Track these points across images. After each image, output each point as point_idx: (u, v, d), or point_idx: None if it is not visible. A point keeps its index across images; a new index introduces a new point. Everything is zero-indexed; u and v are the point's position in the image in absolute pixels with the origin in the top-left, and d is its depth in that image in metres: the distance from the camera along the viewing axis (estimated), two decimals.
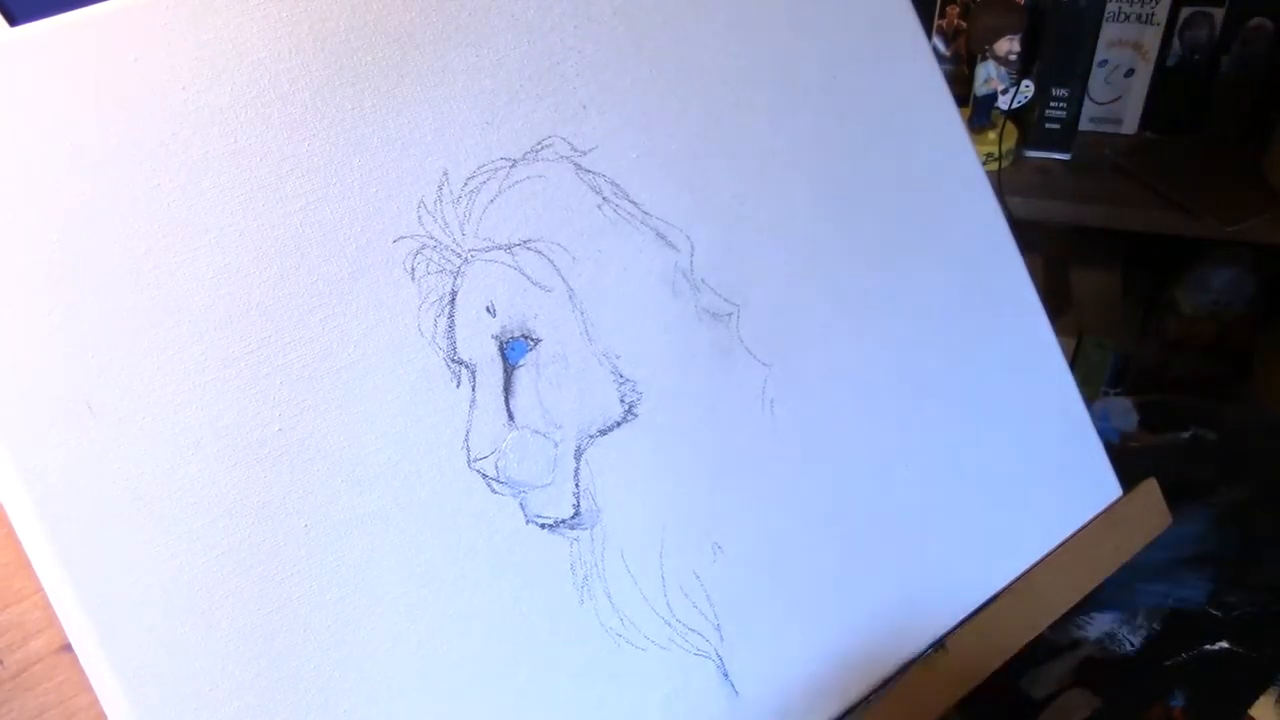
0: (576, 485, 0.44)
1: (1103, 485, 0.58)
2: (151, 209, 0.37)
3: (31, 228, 0.35)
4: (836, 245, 0.50)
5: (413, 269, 0.41)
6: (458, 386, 0.42)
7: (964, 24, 1.22)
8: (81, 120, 0.36)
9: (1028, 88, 1.16)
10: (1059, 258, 1.34)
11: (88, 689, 0.37)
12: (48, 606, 0.37)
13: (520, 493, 0.42)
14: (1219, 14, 1.16)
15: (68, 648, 0.40)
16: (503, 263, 0.42)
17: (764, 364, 0.48)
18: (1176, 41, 1.18)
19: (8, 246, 0.35)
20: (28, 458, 0.35)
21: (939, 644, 0.52)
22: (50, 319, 0.35)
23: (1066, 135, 1.19)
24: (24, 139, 0.35)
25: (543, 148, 0.43)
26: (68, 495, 0.35)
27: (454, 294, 0.42)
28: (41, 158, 0.35)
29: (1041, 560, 0.55)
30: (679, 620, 0.45)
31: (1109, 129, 1.25)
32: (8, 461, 0.35)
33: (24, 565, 0.37)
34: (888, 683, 0.50)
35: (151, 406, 0.37)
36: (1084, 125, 1.22)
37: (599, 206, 0.44)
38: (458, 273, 0.42)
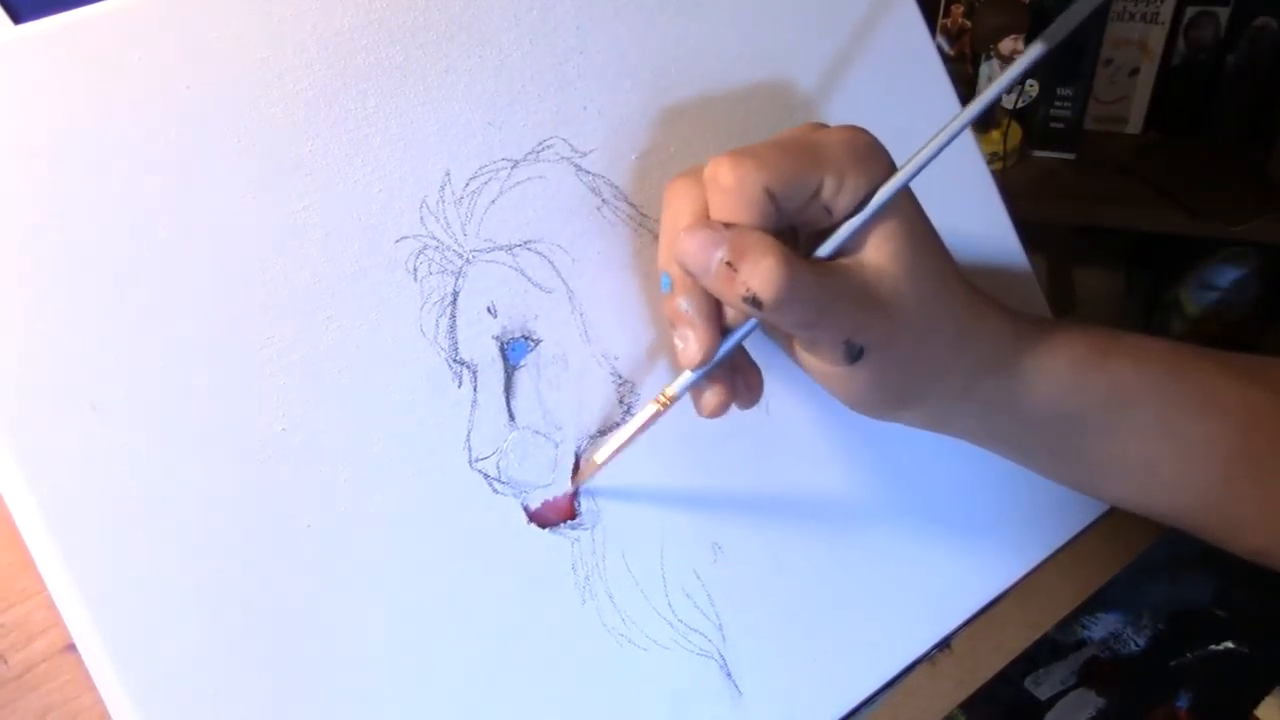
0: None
1: None
2: (155, 208, 0.37)
3: (34, 226, 0.35)
4: None
5: (415, 269, 0.41)
6: (459, 387, 0.42)
7: (968, 23, 1.22)
8: (85, 118, 0.36)
9: (1032, 87, 1.16)
10: (1063, 257, 1.34)
11: (92, 689, 0.37)
12: (52, 606, 0.37)
13: (521, 493, 0.42)
14: (1224, 14, 1.16)
15: (72, 648, 0.40)
16: (504, 264, 0.43)
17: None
18: (1181, 41, 1.18)
19: (10, 245, 0.35)
20: (31, 457, 0.35)
21: (944, 644, 0.52)
22: (53, 319, 0.36)
23: (1071, 135, 1.19)
24: (27, 136, 0.35)
25: (544, 149, 0.43)
26: (72, 495, 0.35)
27: (456, 295, 0.42)
28: (45, 155, 0.36)
29: (1046, 560, 0.55)
30: (681, 620, 0.45)
31: (1114, 128, 1.25)
32: (11, 461, 0.35)
33: (28, 565, 0.37)
34: (892, 683, 0.50)
35: (156, 406, 0.37)
36: (1089, 125, 1.22)
37: (599, 208, 0.44)
38: (459, 273, 0.42)
